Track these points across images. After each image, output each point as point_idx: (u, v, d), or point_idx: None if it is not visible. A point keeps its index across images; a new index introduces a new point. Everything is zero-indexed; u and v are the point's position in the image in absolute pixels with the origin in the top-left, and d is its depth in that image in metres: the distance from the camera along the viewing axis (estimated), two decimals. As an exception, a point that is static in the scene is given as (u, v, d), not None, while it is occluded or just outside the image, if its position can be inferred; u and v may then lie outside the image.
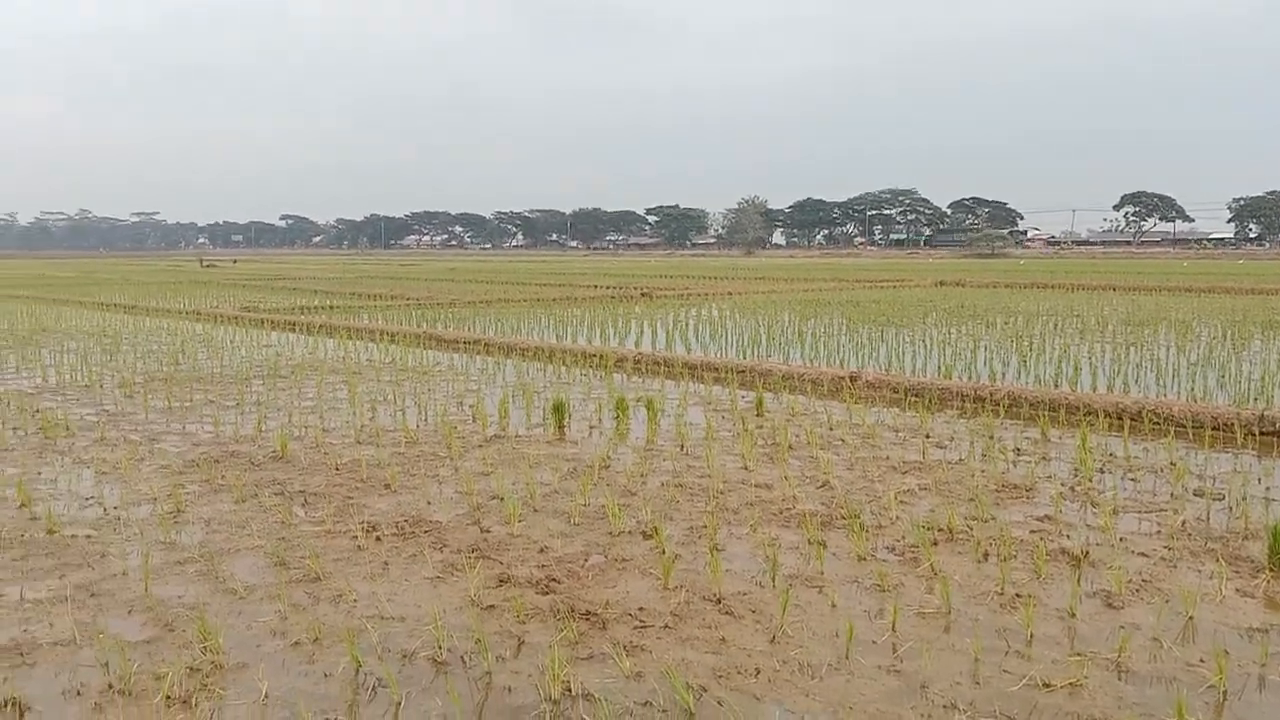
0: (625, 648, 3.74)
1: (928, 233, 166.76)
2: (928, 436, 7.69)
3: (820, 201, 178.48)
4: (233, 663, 3.65)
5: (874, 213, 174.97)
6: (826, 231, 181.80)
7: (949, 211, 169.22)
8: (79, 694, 3.43)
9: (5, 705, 3.34)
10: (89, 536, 5.17)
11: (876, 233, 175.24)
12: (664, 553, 4.81)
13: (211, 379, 10.93)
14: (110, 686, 3.47)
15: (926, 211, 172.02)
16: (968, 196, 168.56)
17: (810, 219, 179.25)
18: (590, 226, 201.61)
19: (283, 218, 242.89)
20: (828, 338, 15.08)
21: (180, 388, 10.22)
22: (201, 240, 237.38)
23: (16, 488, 6.05)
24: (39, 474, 6.57)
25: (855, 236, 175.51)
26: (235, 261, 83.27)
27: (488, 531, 5.24)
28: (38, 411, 8.84)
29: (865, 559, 4.78)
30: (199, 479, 6.40)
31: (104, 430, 8.02)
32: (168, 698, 3.37)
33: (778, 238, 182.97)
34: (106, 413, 8.88)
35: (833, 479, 6.30)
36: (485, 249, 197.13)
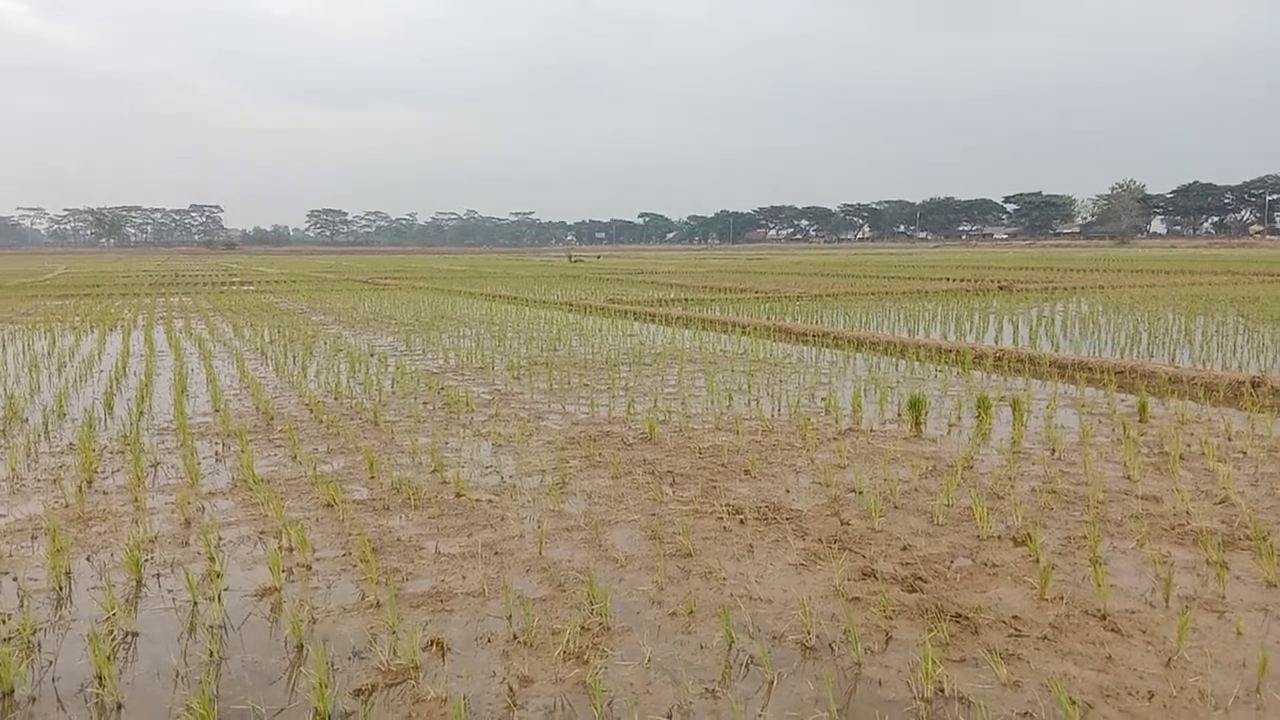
0: (1000, 654, 3.62)
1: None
2: (1354, 453, 6.71)
3: (1209, 186, 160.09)
4: (618, 626, 3.95)
5: (1275, 198, 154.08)
6: (1216, 219, 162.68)
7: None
8: (489, 641, 3.86)
9: (431, 645, 3.84)
10: (490, 501, 5.79)
11: (1278, 220, 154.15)
12: (1039, 561, 4.58)
13: (585, 364, 11.79)
14: (514, 637, 3.88)
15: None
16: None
17: (1196, 205, 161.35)
18: (942, 217, 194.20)
19: (640, 215, 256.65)
20: (1221, 338, 13.52)
21: (559, 371, 11.12)
22: (570, 237, 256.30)
23: (429, 454, 6.90)
24: (446, 443, 7.43)
25: (1251, 224, 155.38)
26: (599, 257, 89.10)
27: (848, 524, 5.25)
28: (443, 389, 9.99)
29: (1277, 586, 4.28)
30: (579, 455, 6.95)
31: (497, 407, 8.92)
32: (564, 652, 3.71)
33: (1156, 226, 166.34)
34: (498, 392, 9.87)
35: (1234, 495, 5.67)
36: (830, 242, 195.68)
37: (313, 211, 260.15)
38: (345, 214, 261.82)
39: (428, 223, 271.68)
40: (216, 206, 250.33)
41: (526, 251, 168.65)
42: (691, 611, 4.08)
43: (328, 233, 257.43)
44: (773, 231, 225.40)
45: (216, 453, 7.28)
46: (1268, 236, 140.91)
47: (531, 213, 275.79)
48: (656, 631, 3.90)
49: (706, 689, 3.43)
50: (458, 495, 5.91)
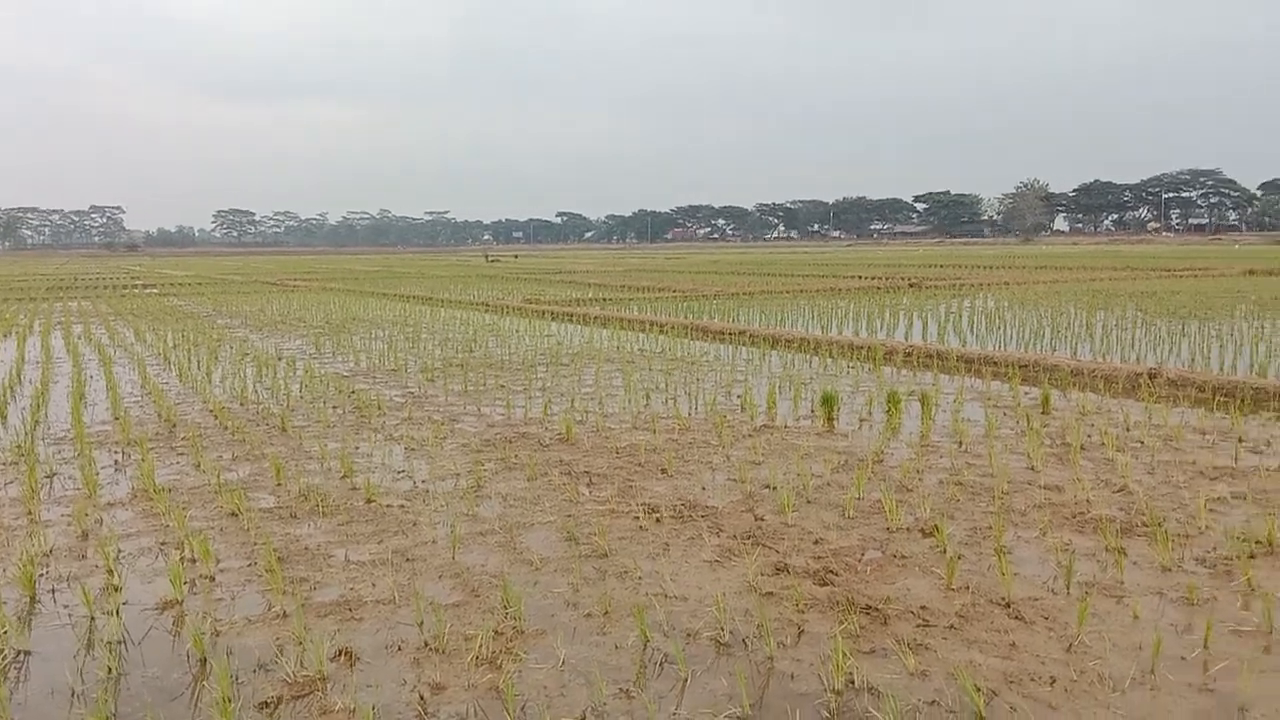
0: (909, 645, 3.68)
1: (1233, 217, 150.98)
2: (1241, 440, 7.00)
3: (1109, 184, 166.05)
4: (532, 629, 3.91)
5: (1171, 195, 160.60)
6: (1116, 217, 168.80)
7: (1259, 194, 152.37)
8: (400, 649, 3.79)
9: (339, 655, 3.75)
10: (402, 506, 5.69)
11: (1173, 217, 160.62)
12: (946, 552, 4.68)
13: (501, 365, 11.69)
14: (426, 644, 3.81)
15: (1233, 194, 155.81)
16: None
17: (1097, 203, 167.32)
18: (854, 216, 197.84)
19: (559, 214, 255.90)
20: (1120, 331, 14.02)
21: (474, 373, 11.01)
22: (486, 237, 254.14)
23: (339, 460, 6.76)
24: (356, 448, 7.29)
25: (1149, 221, 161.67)
26: (516, 256, 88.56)
27: (762, 519, 5.30)
28: (353, 392, 9.81)
29: (1171, 570, 4.44)
30: (495, 457, 6.88)
31: (410, 410, 8.79)
32: (476, 658, 3.66)
33: (1059, 223, 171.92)
34: (412, 394, 9.73)
35: (1131, 483, 5.87)
36: (747, 241, 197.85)
37: (219, 212, 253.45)
38: (253, 214, 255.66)
39: (339, 222, 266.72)
40: (118, 207, 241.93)
41: (442, 251, 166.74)
42: (607, 612, 4.06)
43: (234, 233, 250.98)
44: (691, 230, 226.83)
45: (116, 462, 7.03)
46: (1164, 233, 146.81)
47: (447, 212, 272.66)
48: (572, 633, 3.88)
49: (621, 689, 3.42)
50: (368, 501, 5.79)
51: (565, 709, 3.29)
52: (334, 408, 9.05)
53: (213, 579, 4.59)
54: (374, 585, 4.45)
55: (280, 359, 12.71)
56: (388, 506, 5.69)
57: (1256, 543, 4.74)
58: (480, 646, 3.72)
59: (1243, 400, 8.41)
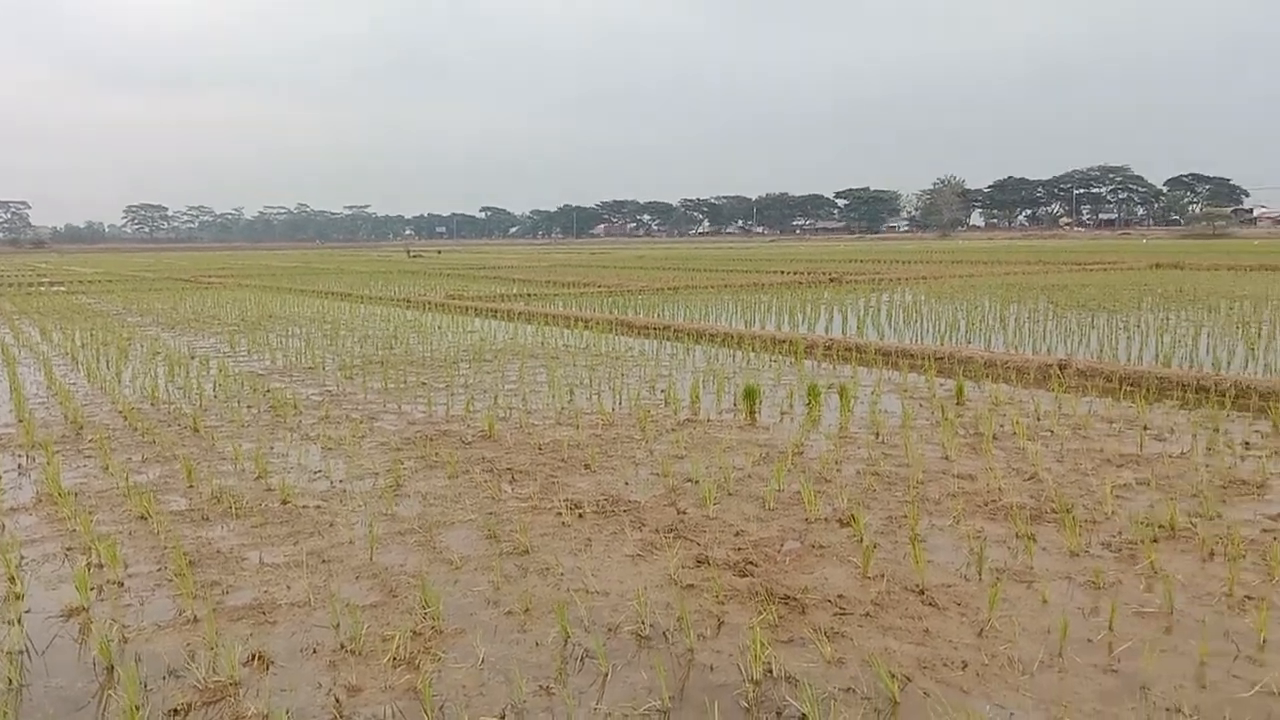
0: (826, 633, 3.73)
1: (1141, 212, 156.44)
2: (1146, 428, 7.25)
3: (1023, 180, 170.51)
4: (451, 628, 3.87)
5: (1081, 191, 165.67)
6: (1029, 212, 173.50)
7: (1165, 189, 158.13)
8: (315, 652, 3.73)
9: (252, 659, 3.67)
10: (318, 507, 5.59)
11: (1084, 212, 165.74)
12: (862, 541, 4.76)
13: (423, 362, 11.55)
14: (342, 646, 3.75)
15: (1140, 189, 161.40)
16: (1186, 173, 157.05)
17: (1011, 199, 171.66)
18: (777, 212, 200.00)
19: (482, 209, 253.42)
20: (1032, 324, 14.41)
21: (395, 370, 10.85)
22: (408, 232, 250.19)
23: (253, 461, 6.61)
24: (271, 448, 7.13)
25: (1061, 217, 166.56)
26: (439, 252, 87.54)
27: (684, 513, 5.32)
28: (268, 391, 9.59)
29: (1078, 555, 4.58)
30: (415, 455, 6.79)
31: (328, 409, 8.63)
32: (394, 659, 3.61)
33: (975, 219, 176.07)
34: (329, 393, 9.55)
35: (1041, 471, 6.04)
36: (672, 236, 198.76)
37: (130, 207, 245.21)
38: (166, 209, 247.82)
39: (256, 217, 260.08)
40: (23, 202, 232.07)
41: (363, 246, 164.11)
42: (528, 609, 4.04)
43: (147, 229, 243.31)
44: (617, 225, 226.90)
45: (19, 465, 6.78)
46: (1075, 228, 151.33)
47: (368, 206, 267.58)
48: (492, 632, 3.85)
49: (541, 686, 3.40)
50: (283, 502, 5.67)
51: (484, 707, 3.27)
52: (249, 407, 8.84)
53: (121, 584, 4.46)
54: (289, 588, 4.37)
55: (193, 358, 12.38)
56: (303, 507, 5.58)
57: (1159, 527, 4.91)
58: (398, 647, 3.67)
59: (1148, 389, 8.71)
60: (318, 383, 10.21)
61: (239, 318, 18.47)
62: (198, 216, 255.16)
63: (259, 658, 3.67)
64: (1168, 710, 3.15)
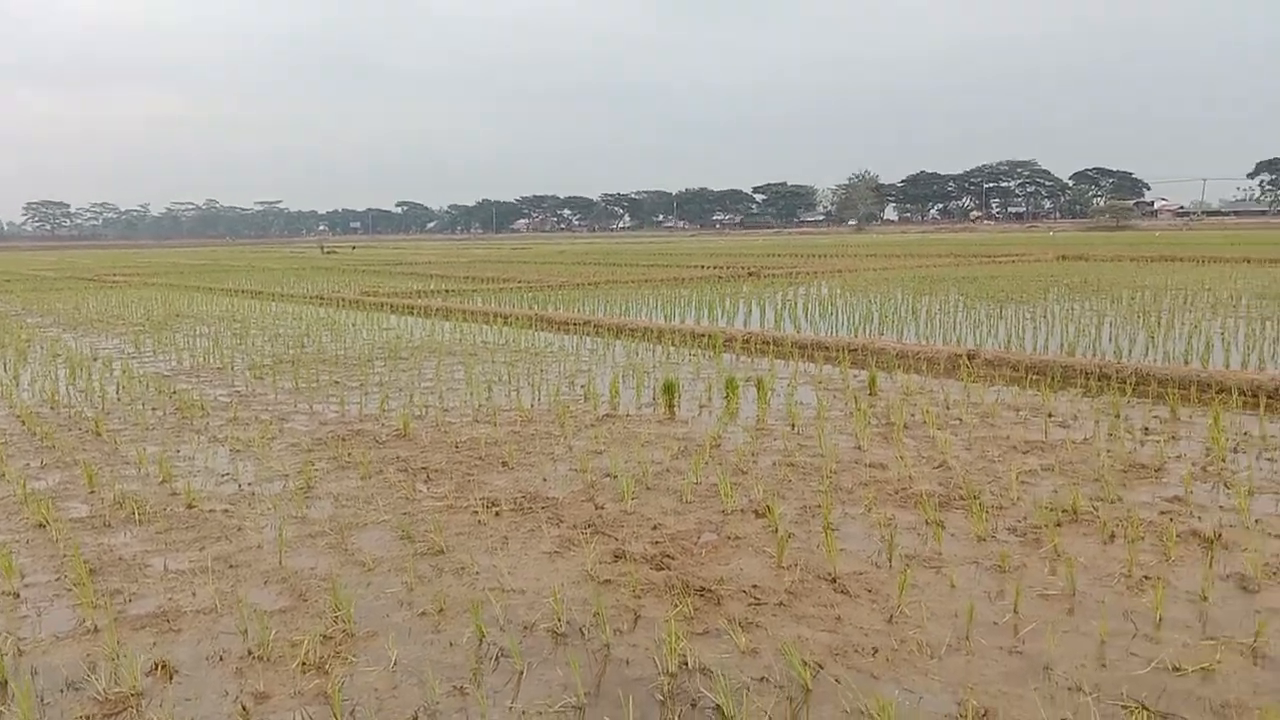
0: (740, 624, 3.76)
1: (1048, 205, 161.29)
2: (1050, 416, 7.47)
3: (934, 175, 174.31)
4: (363, 631, 3.81)
5: (991, 185, 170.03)
6: (941, 206, 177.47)
7: (1071, 183, 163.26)
8: (221, 659, 3.63)
9: (156, 668, 3.56)
10: (226, 511, 5.45)
11: (994, 206, 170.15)
12: (777, 531, 4.81)
13: (336, 361, 11.34)
14: (250, 653, 3.66)
15: (1047, 183, 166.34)
16: (1090, 167, 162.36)
17: (924, 193, 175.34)
18: (697, 206, 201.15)
19: (399, 204, 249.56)
20: (943, 315, 14.74)
21: (307, 369, 10.63)
22: (322, 228, 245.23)
23: (158, 464, 6.41)
24: (177, 451, 6.93)
25: (971, 210, 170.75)
26: (354, 248, 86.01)
27: (602, 508, 5.32)
28: (175, 393, 9.31)
29: (985, 540, 4.69)
30: (327, 456, 6.66)
31: (236, 410, 8.41)
32: (303, 664, 3.53)
33: (889, 213, 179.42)
34: (238, 393, 9.31)
35: (950, 459, 6.18)
36: (593, 231, 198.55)
37: (29, 204, 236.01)
38: (68, 206, 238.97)
39: (163, 214, 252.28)
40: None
41: (275, 243, 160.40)
42: (442, 610, 3.99)
43: (48, 226, 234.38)
44: (536, 220, 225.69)
45: (-96, 475, 6.46)
46: (986, 221, 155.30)
47: (279, 202, 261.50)
48: (405, 633, 3.79)
49: (455, 687, 3.36)
50: (189, 507, 5.51)
51: (396, 710, 3.22)
52: (154, 409, 8.57)
53: (16, 595, 4.28)
54: (194, 594, 4.24)
55: (96, 359, 11.96)
56: (210, 511, 5.43)
57: (1062, 511, 5.06)
58: (307, 652, 3.60)
59: (1053, 378, 8.98)
60: (226, 383, 9.95)
61: (145, 317, 17.90)
62: (102, 213, 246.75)
63: (163, 667, 3.56)
64: (1069, 689, 3.25)
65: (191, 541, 4.94)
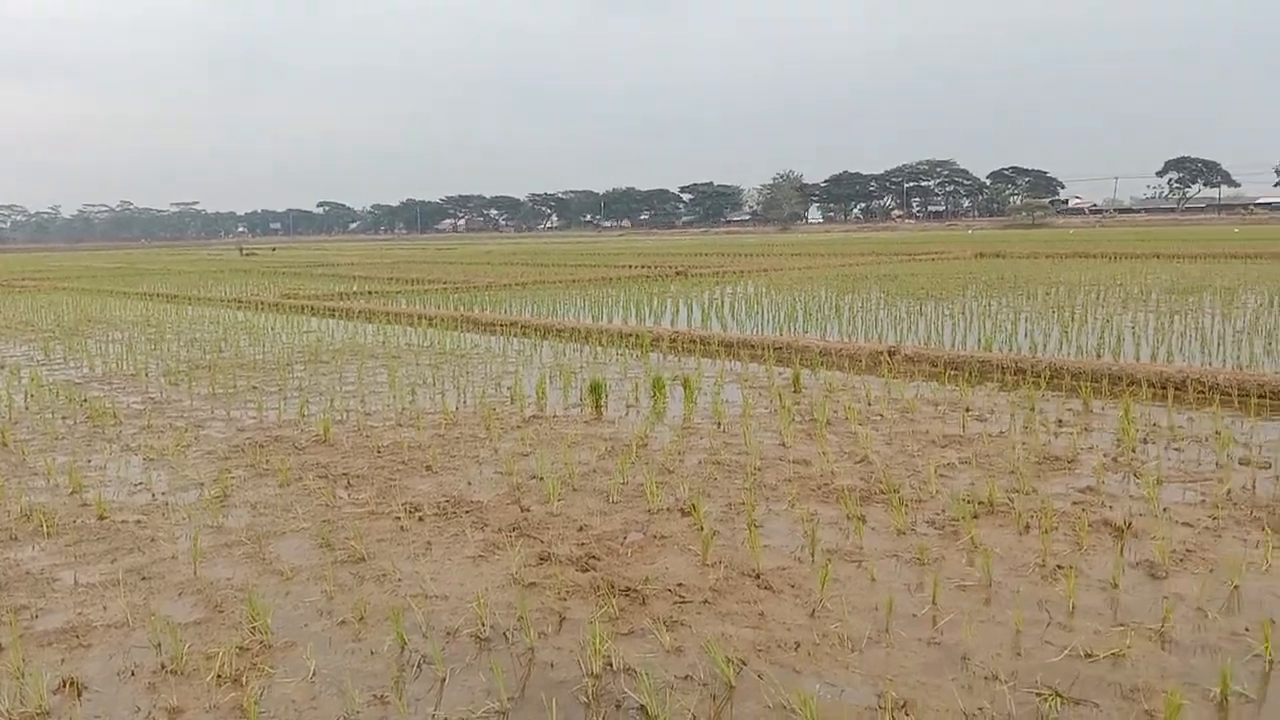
0: (665, 623, 3.77)
1: (967, 204, 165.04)
2: (968, 410, 7.64)
3: (857, 175, 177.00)
4: (281, 642, 3.73)
5: (911, 185, 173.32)
6: (863, 205, 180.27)
7: (988, 182, 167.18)
8: (133, 674, 3.52)
9: (64, 686, 3.44)
10: (138, 521, 5.29)
11: (914, 205, 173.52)
12: (702, 529, 4.83)
13: (254, 365, 11.09)
14: (163, 667, 3.55)
15: (965, 182, 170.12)
16: (1007, 166, 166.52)
17: (846, 193, 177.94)
18: (624, 206, 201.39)
19: (320, 205, 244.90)
20: (865, 312, 14.98)
21: (224, 375, 10.38)
22: (240, 229, 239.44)
23: (67, 475, 6.20)
24: (89, 461, 6.71)
25: (893, 209, 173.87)
26: (274, 249, 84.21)
27: (527, 511, 5.29)
28: (85, 400, 9.02)
29: (905, 533, 4.77)
30: (244, 464, 6.51)
31: (150, 418, 8.18)
32: (218, 677, 3.45)
33: (813, 213, 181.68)
34: (152, 400, 9.05)
35: (871, 454, 6.28)
36: (520, 231, 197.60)
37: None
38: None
39: (74, 216, 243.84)
40: None
41: (192, 245, 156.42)
42: (362, 618, 3.93)
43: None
44: (462, 221, 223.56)
45: None
46: (906, 220, 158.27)
47: (196, 203, 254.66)
48: (324, 643, 3.72)
49: (376, 696, 3.31)
50: (100, 518, 5.34)
51: (316, 722, 3.16)
52: (64, 418, 8.29)
53: (-89, 616, 4.10)
54: (105, 608, 4.11)
55: (3, 367, 11.52)
56: (122, 522, 5.27)
57: (979, 503, 5.17)
58: (222, 665, 3.51)
59: (970, 373, 9.18)
60: (140, 390, 9.67)
61: (54, 323, 17.31)
62: (9, 216, 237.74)
63: (71, 684, 3.44)
64: (985, 678, 3.32)
65: (103, 554, 4.79)
